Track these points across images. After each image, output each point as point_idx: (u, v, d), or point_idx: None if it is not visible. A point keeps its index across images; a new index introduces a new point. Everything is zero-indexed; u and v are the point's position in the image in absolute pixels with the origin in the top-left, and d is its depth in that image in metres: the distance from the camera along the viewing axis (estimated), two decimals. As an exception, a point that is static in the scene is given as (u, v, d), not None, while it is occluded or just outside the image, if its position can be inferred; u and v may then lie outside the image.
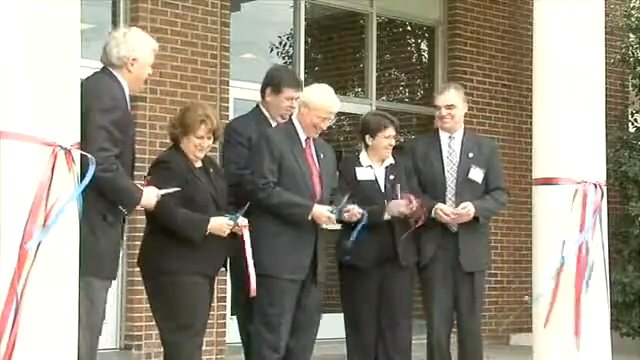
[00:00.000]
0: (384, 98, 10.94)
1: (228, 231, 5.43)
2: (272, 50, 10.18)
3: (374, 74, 10.29)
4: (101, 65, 5.14)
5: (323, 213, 5.78)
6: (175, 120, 5.46)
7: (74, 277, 4.26)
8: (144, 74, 5.08)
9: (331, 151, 6.20)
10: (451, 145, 6.50)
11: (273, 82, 6.21)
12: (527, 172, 9.68)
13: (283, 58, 10.21)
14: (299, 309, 5.85)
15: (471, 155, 6.45)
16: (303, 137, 5.95)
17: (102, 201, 4.74)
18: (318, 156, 5.97)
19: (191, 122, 5.37)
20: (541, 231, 6.17)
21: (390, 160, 6.57)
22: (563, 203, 6.02)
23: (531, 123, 6.52)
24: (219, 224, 5.40)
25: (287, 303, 5.71)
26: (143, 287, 5.59)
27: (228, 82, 8.75)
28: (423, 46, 11.45)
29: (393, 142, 6.54)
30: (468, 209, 6.30)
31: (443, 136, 6.53)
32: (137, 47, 5.01)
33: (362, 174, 6.50)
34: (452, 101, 6.53)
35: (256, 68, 9.82)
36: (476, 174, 6.44)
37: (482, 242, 6.54)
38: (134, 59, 4.99)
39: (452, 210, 6.32)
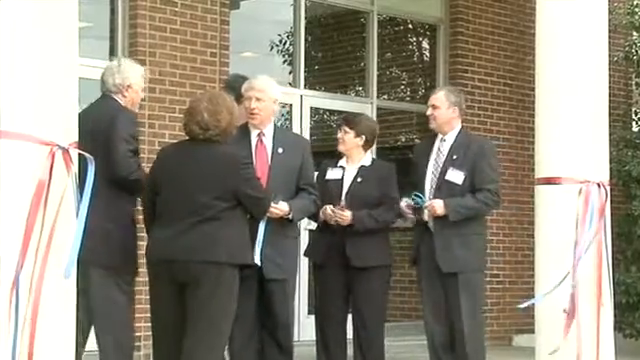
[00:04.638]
0: (385, 97, 10.94)
1: None
2: (272, 48, 10.18)
3: (375, 73, 10.28)
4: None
5: None
6: (228, 121, 5.29)
7: (73, 278, 4.26)
8: (138, 98, 5.83)
9: (298, 146, 6.11)
10: (441, 147, 6.51)
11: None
12: (529, 172, 9.68)
13: (283, 56, 10.21)
14: (264, 311, 5.87)
15: (455, 157, 6.42)
16: (254, 132, 5.96)
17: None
18: (274, 150, 5.95)
19: (237, 114, 5.44)
20: (543, 231, 6.16)
21: (365, 162, 6.61)
22: (566, 203, 6.02)
23: (533, 122, 6.52)
24: None
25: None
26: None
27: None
28: (424, 44, 11.45)
29: (340, 135, 6.59)
30: (431, 204, 6.31)
31: (438, 138, 6.56)
32: (130, 75, 5.74)
33: (331, 174, 6.61)
34: (435, 102, 6.51)
35: (256, 67, 9.83)
36: (454, 176, 6.38)
37: (466, 242, 6.38)
38: (128, 85, 5.72)
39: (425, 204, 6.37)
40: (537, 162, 6.28)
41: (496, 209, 7.71)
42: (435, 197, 6.37)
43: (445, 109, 6.48)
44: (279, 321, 5.90)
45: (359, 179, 6.55)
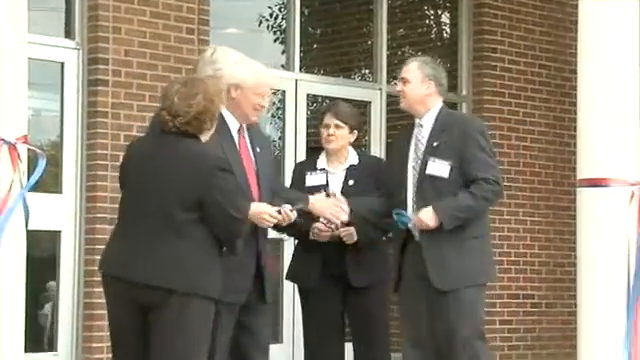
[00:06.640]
0: (396, 82, 10.92)
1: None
2: (261, 24, 10.18)
3: (384, 53, 10.28)
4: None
5: (265, 210, 5.65)
6: (203, 106, 5.22)
7: (21, 280, 4.27)
8: None
9: (267, 142, 6.14)
10: (419, 134, 6.35)
11: None
12: (570, 172, 9.67)
13: (274, 33, 10.21)
14: (245, 332, 5.84)
15: (436, 144, 6.25)
16: (235, 128, 5.86)
17: None
18: (254, 150, 5.89)
19: (219, 102, 5.36)
20: (587, 243, 6.15)
21: (353, 161, 6.60)
22: (614, 209, 6.01)
23: (575, 112, 6.51)
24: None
25: (224, 327, 5.66)
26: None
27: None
28: (444, 18, 11.46)
29: (332, 132, 6.57)
30: (419, 219, 6.13)
31: (416, 124, 6.40)
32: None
33: (312, 180, 6.59)
34: (406, 74, 6.38)
35: (241, 45, 9.81)
36: (437, 168, 6.21)
37: (463, 250, 6.21)
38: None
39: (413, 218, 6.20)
40: (579, 160, 6.28)
41: (500, 200, 7.36)
42: (417, 196, 6.22)
43: (418, 83, 6.33)
44: (269, 341, 5.94)
45: (350, 182, 6.53)
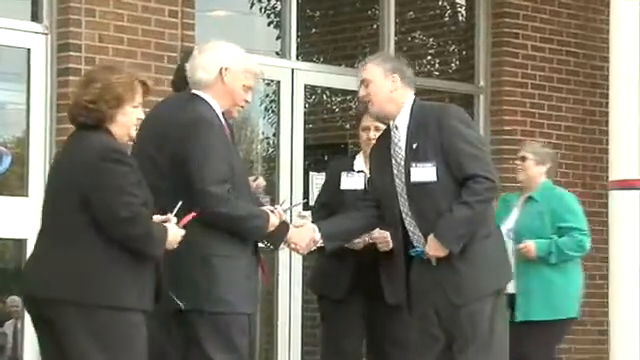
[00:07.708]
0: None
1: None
2: (252, 5, 10.19)
3: (392, 39, 10.28)
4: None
5: (275, 221, 5.80)
6: (94, 94, 5.15)
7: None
8: None
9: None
10: (395, 138, 6.28)
11: None
12: (602, 172, 9.66)
13: (268, 17, 10.22)
14: None
15: (415, 146, 6.18)
16: (224, 121, 5.90)
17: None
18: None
19: (126, 87, 5.30)
20: (620, 251, 6.16)
21: None
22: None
23: (607, 105, 6.53)
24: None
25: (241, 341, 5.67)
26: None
27: (192, 49, 8.75)
28: None
29: (372, 135, 6.64)
30: (430, 252, 6.15)
31: (391, 127, 6.32)
32: None
33: (347, 182, 6.69)
34: (365, 74, 6.28)
35: (231, 30, 9.83)
36: (421, 173, 6.16)
37: (473, 258, 6.17)
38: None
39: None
40: (612, 160, 6.30)
41: (496, 194, 7.26)
42: (412, 210, 6.18)
43: (382, 80, 6.24)
44: None
45: None
